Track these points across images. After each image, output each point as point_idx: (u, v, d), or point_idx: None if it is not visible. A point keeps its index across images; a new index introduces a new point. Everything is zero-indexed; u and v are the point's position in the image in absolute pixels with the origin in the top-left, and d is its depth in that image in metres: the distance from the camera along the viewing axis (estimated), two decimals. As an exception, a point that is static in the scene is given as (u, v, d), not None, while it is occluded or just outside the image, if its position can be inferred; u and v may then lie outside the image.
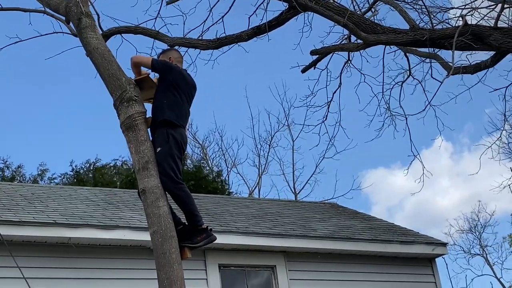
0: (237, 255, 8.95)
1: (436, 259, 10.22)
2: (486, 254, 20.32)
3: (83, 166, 20.06)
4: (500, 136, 12.55)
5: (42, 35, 8.11)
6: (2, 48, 8.02)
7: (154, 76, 5.84)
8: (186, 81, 5.41)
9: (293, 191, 21.58)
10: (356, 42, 9.54)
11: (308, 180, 23.24)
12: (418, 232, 11.13)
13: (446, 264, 13.06)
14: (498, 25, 8.61)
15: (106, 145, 31.60)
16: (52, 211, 8.67)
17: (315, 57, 9.48)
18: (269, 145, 23.66)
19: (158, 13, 9.47)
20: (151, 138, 5.15)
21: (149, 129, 5.24)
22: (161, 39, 8.88)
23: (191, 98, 5.49)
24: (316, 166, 22.27)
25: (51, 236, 7.75)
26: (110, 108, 5.46)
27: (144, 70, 5.80)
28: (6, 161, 20.55)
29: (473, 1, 9.24)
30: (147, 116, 5.25)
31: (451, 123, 23.30)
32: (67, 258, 8.03)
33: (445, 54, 9.47)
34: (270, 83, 29.58)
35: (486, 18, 9.29)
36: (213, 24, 9.80)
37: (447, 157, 29.77)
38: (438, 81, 9.66)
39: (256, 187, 22.18)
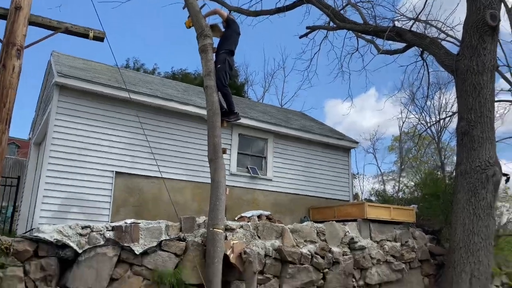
0: (249, 130, 11.60)
1: (351, 150, 13.66)
2: (375, 153, 29.26)
3: (178, 71, 27.58)
4: (399, 91, 22.09)
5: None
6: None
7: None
8: (238, 32, 7.52)
9: (280, 103, 29.76)
10: (332, 26, 12.29)
11: (290, 99, 38.35)
12: (345, 135, 14.25)
13: (355, 154, 21.05)
14: (411, 29, 11.91)
15: (192, 61, 47.63)
16: (156, 90, 11.10)
17: (307, 30, 12.58)
18: (272, 77, 38.80)
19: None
20: (215, 59, 7.08)
21: (214, 54, 7.18)
22: (225, 5, 11.76)
23: (238, 41, 7.45)
24: (295, 93, 41.10)
25: (154, 103, 10.07)
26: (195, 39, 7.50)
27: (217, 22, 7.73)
28: (136, 60, 28.13)
29: (401, 15, 12.49)
30: (214, 46, 7.32)
31: (377, 81, 40.79)
32: (162, 121, 10.33)
33: (378, 41, 12.45)
34: (279, 43, 44.32)
35: (406, 25, 12.26)
36: (255, 3, 14.15)
37: (373, 99, 42.67)
38: (373, 54, 13.33)
39: (262, 98, 30.82)
